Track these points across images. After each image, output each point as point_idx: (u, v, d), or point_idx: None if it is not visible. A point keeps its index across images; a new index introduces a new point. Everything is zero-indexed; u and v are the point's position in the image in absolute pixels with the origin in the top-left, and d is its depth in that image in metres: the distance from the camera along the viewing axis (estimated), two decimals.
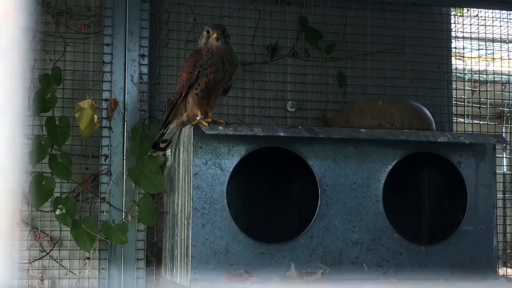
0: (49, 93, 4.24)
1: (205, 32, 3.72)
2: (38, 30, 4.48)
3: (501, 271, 4.89)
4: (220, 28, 3.73)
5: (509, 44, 5.27)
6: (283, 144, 3.67)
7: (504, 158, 5.49)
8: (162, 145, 4.16)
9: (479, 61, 5.30)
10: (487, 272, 3.93)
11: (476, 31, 5.23)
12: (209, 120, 3.62)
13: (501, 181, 5.12)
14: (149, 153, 4.23)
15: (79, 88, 4.52)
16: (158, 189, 4.28)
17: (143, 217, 4.31)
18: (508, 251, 5.18)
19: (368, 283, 3.71)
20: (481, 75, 5.33)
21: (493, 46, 5.32)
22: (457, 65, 5.21)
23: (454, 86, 5.14)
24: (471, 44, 5.21)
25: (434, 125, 4.21)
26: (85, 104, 4.25)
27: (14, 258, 4.34)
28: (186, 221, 3.64)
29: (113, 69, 4.51)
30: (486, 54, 5.34)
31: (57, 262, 4.44)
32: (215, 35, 3.68)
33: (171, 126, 4.01)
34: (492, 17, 5.27)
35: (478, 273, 3.89)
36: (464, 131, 5.08)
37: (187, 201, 3.60)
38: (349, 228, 3.72)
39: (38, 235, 4.42)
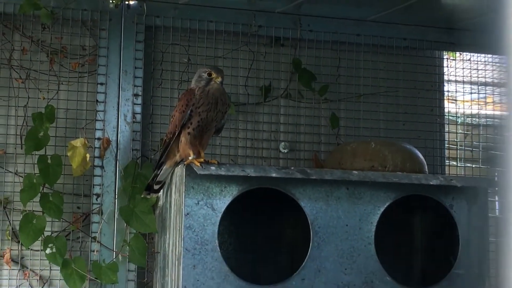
0: (42, 131, 4.24)
1: (205, 74, 3.73)
2: (32, 68, 4.50)
3: None
4: (222, 71, 3.76)
5: (501, 88, 5.29)
6: (275, 185, 3.66)
7: (497, 202, 5.48)
8: (156, 187, 4.15)
9: (471, 105, 5.33)
10: None
11: (469, 75, 5.26)
12: (202, 160, 3.62)
13: (494, 224, 5.11)
14: (142, 196, 4.22)
15: (72, 127, 4.52)
16: (150, 229, 4.26)
17: (134, 257, 4.29)
18: None
19: None
20: (473, 119, 5.36)
21: (486, 90, 5.35)
22: (449, 109, 5.24)
23: (446, 129, 5.17)
24: (463, 87, 5.24)
25: (426, 167, 4.21)
26: (78, 142, 4.25)
27: None
28: (177, 261, 3.62)
29: (106, 108, 4.52)
30: (478, 98, 5.37)
31: None
32: (219, 79, 3.70)
33: (164, 167, 4.00)
34: (485, 61, 5.31)
35: None
36: (457, 174, 5.08)
37: (178, 241, 3.59)
38: (341, 270, 3.71)
39: (27, 274, 4.39)
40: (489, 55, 5.31)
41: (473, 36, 5.06)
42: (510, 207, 1.44)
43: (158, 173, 4.05)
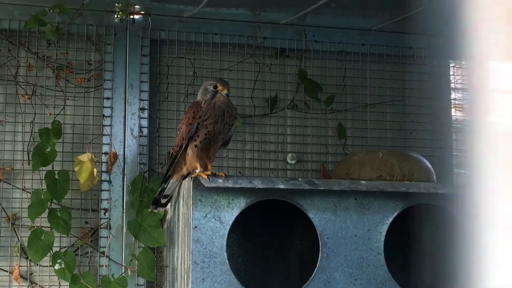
0: (48, 147, 4.26)
1: (211, 87, 3.74)
2: (38, 84, 4.52)
3: None
4: (228, 84, 3.77)
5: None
6: (283, 196, 3.66)
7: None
8: (163, 201, 4.15)
9: None
10: None
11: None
12: (209, 173, 3.62)
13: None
14: (149, 210, 4.22)
15: (79, 142, 4.54)
16: (158, 243, 4.27)
17: (142, 271, 4.29)
18: None
19: None
20: None
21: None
22: (457, 117, 5.23)
23: (453, 137, 5.15)
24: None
25: (434, 176, 4.21)
26: (85, 157, 4.26)
27: None
28: (186, 275, 3.62)
29: (113, 123, 4.54)
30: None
31: None
32: (225, 91, 3.71)
33: (171, 181, 4.00)
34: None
35: None
36: None
37: (187, 254, 3.59)
38: (351, 281, 3.70)
39: None
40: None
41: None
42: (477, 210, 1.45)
43: (165, 186, 4.05)
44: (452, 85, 5.26)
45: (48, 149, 4.26)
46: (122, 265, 4.40)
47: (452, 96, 5.25)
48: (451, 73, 5.28)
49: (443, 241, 4.30)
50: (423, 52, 5.08)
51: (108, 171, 4.49)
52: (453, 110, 5.22)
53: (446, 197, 3.84)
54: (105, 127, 4.53)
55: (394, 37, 5.05)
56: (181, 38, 4.74)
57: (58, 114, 4.49)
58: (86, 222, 4.52)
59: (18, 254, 4.39)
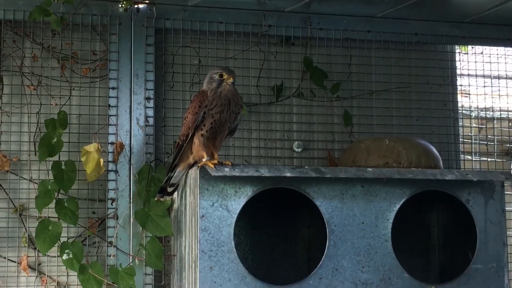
0: (55, 137, 4.26)
1: (216, 76, 3.73)
2: (43, 75, 4.52)
3: None
4: (233, 72, 3.76)
5: None
6: (290, 184, 3.66)
7: None
8: (169, 189, 4.15)
9: (485, 98, 5.31)
10: None
11: (482, 68, 5.24)
12: (215, 161, 3.62)
13: (511, 218, 5.09)
14: (156, 199, 4.22)
15: (85, 132, 4.55)
16: (165, 232, 4.28)
17: (150, 260, 4.31)
18: None
19: None
20: (487, 112, 5.34)
21: (499, 83, 5.33)
22: (463, 103, 5.22)
23: (460, 123, 5.15)
24: (476, 81, 5.22)
25: (441, 162, 4.20)
26: (91, 148, 4.26)
27: None
28: (193, 264, 3.63)
29: (118, 112, 4.54)
30: (492, 91, 5.35)
31: None
32: (231, 79, 3.70)
33: (177, 170, 4.00)
34: (497, 54, 5.29)
35: None
36: (472, 169, 5.07)
37: (195, 243, 3.60)
38: (358, 268, 3.70)
39: (45, 280, 4.41)
40: (502, 48, 5.30)
41: (485, 29, 5.06)
42: None
43: (172, 175, 4.05)
44: (458, 71, 5.25)
45: (55, 140, 4.27)
46: (129, 254, 4.41)
47: (458, 82, 5.24)
48: (456, 59, 5.27)
49: (451, 227, 4.31)
50: (428, 38, 5.06)
51: (114, 161, 4.50)
52: (459, 96, 5.22)
53: (454, 183, 3.84)
54: (111, 117, 4.54)
55: (400, 24, 5.03)
56: (186, 27, 4.74)
57: (64, 104, 4.50)
58: (94, 212, 4.53)
59: (26, 245, 4.40)
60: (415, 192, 3.80)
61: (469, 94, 5.22)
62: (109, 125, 4.54)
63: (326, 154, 4.87)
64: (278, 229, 4.39)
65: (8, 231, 4.42)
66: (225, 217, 3.56)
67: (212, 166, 3.52)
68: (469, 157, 5.14)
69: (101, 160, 4.28)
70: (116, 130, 4.52)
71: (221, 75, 3.72)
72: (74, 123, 4.54)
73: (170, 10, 4.71)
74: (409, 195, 3.79)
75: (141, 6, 4.63)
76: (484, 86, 5.26)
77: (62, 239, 4.29)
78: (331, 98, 4.91)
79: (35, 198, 4.24)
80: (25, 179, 4.45)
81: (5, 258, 4.41)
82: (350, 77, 4.98)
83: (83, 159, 4.26)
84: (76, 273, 4.24)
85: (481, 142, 5.21)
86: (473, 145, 5.15)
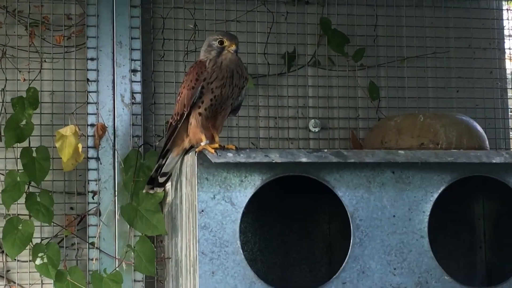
0: (24, 119, 4.26)
1: (216, 43, 3.72)
2: (8, 44, 4.52)
3: None
4: (236, 38, 3.74)
5: None
6: (305, 171, 3.66)
7: None
8: (160, 180, 4.15)
9: None
10: None
11: None
12: (216, 146, 3.61)
13: None
14: (144, 191, 4.23)
15: (60, 113, 4.55)
16: (157, 230, 4.29)
17: (140, 264, 4.32)
18: None
19: None
20: None
21: None
22: None
23: (510, 94, 5.14)
24: None
25: (487, 142, 4.20)
26: (67, 131, 4.26)
27: None
28: (192, 268, 3.64)
29: (99, 88, 4.54)
30: None
31: None
32: (233, 46, 3.68)
33: (170, 156, 4.01)
34: None
35: None
36: None
37: (193, 244, 3.61)
38: (389, 270, 3.71)
39: None
40: None
41: None
42: None
43: (163, 163, 4.05)
44: (506, 32, 5.23)
45: (23, 122, 4.28)
46: (115, 258, 4.42)
47: (506, 45, 5.22)
48: (504, 17, 5.25)
49: (499, 220, 4.30)
50: None
51: (95, 147, 4.50)
52: (507, 61, 5.20)
53: (502, 167, 3.84)
54: (90, 93, 4.54)
55: None
56: None
57: (34, 79, 4.50)
58: (72, 208, 4.55)
59: None
60: (456, 178, 3.80)
61: None
62: (88, 103, 4.54)
63: (349, 134, 4.87)
64: (292, 226, 4.40)
65: None
66: (229, 211, 3.56)
67: (213, 151, 3.52)
68: None
69: (80, 145, 4.28)
70: (97, 109, 4.52)
71: (221, 42, 3.71)
72: (47, 102, 4.55)
73: None
74: (449, 182, 3.79)
75: None
76: None
77: (35, 241, 4.30)
78: (354, 67, 4.91)
79: (1, 192, 4.25)
80: None
81: None
82: (377, 41, 4.97)
83: (57, 144, 4.26)
84: (52, 281, 4.25)
85: None
86: None
